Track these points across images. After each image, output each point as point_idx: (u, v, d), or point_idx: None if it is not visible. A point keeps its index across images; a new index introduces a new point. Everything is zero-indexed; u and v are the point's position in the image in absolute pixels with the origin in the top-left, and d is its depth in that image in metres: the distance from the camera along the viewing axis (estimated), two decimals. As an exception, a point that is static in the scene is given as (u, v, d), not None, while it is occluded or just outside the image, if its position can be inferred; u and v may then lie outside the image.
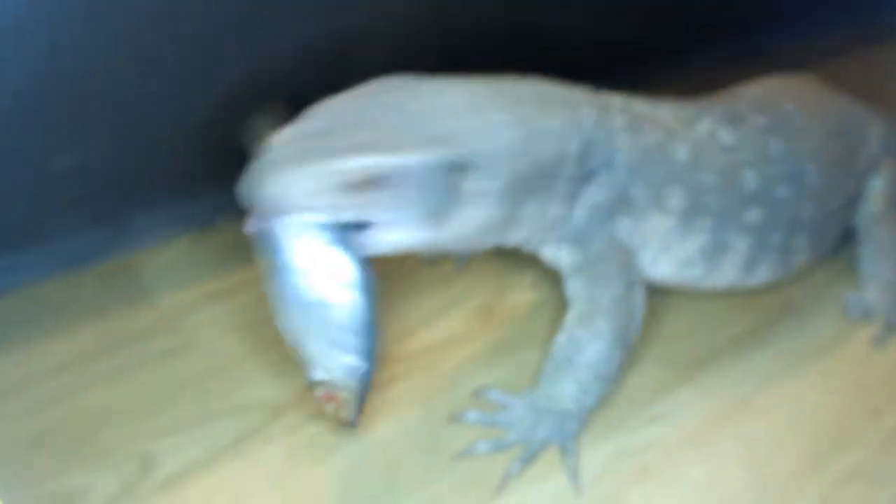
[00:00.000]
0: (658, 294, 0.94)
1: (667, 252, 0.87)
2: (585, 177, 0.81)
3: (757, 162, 0.88)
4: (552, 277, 0.88)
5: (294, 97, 0.74)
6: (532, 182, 0.77)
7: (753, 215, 0.87)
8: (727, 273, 0.90)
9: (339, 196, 0.68)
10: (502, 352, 0.90)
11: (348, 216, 0.70)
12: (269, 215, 0.69)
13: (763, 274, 0.92)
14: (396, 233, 0.72)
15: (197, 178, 1.01)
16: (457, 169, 0.71)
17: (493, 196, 0.74)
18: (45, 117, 0.87)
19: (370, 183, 0.68)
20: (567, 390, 0.80)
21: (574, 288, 0.83)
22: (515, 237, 0.82)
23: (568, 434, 0.79)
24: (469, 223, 0.75)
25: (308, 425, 0.81)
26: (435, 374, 0.87)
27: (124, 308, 0.94)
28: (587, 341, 0.80)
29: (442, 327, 0.93)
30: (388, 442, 0.80)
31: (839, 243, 0.99)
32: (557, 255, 0.85)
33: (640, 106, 0.87)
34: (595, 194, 0.82)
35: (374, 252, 0.72)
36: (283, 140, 0.69)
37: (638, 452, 0.80)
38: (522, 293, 0.97)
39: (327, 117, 0.71)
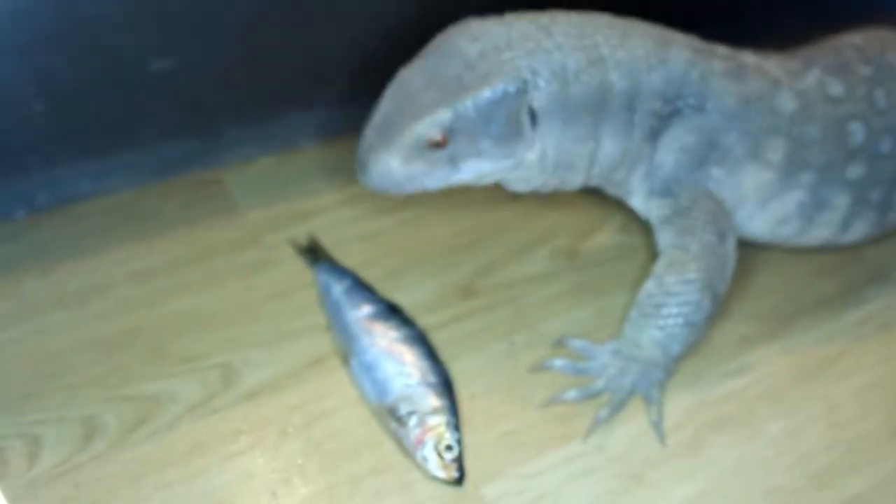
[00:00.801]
0: (749, 250, 0.93)
1: (763, 209, 0.86)
2: (670, 115, 0.80)
3: (864, 114, 0.85)
4: (641, 222, 0.87)
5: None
6: (600, 109, 0.77)
7: (856, 170, 0.85)
8: (822, 230, 0.88)
9: (427, 157, 0.74)
10: (586, 294, 0.89)
11: (443, 170, 0.75)
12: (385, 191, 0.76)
13: (858, 232, 0.89)
14: (478, 163, 0.75)
15: (285, 99, 1.01)
16: (516, 96, 0.73)
17: (559, 120, 0.76)
18: (148, 18, 0.87)
19: (447, 135, 0.73)
20: (653, 337, 0.79)
21: (664, 239, 0.82)
22: (598, 172, 0.81)
23: (654, 382, 0.79)
24: (544, 149, 0.77)
25: (389, 350, 0.81)
26: (518, 310, 0.87)
27: (211, 220, 0.94)
28: (676, 288, 0.78)
29: (526, 264, 0.92)
30: (469, 374, 0.80)
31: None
32: (647, 206, 0.84)
33: (747, 56, 0.84)
34: (682, 137, 0.81)
35: (460, 183, 0.76)
36: (372, 125, 0.75)
37: (719, 403, 0.79)
38: (610, 236, 0.96)
39: (403, 87, 0.75)
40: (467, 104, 0.72)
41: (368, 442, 0.74)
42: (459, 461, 0.72)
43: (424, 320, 0.84)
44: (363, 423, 0.75)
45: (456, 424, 0.74)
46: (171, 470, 0.71)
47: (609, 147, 0.79)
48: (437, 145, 0.73)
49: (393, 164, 0.73)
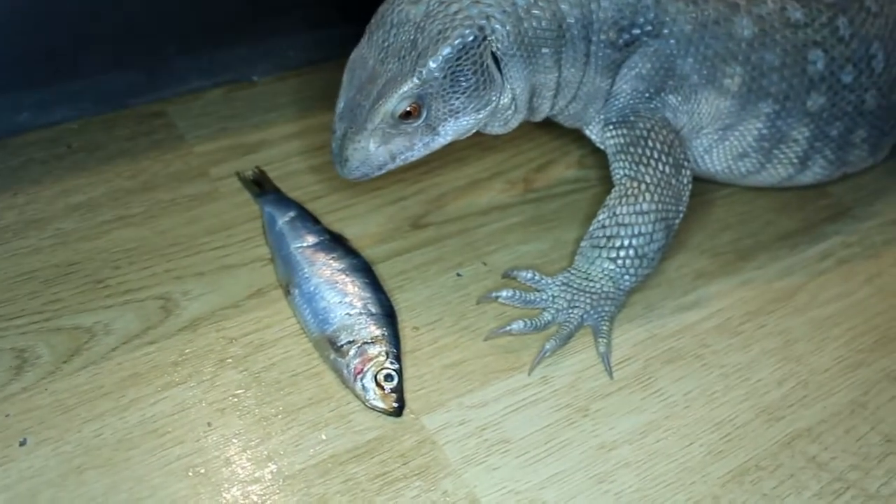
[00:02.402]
0: (709, 185, 0.91)
1: (721, 141, 0.84)
2: (627, 44, 0.78)
3: (824, 42, 0.82)
4: (597, 156, 0.85)
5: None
6: (557, 41, 0.75)
7: (816, 101, 0.83)
8: (780, 168, 0.86)
9: (403, 130, 0.73)
10: (539, 227, 0.87)
11: (423, 139, 0.74)
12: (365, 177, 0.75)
13: (816, 172, 0.88)
14: (456, 122, 0.74)
15: (234, 30, 0.99)
16: (476, 44, 0.72)
17: (521, 58, 0.74)
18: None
19: (418, 102, 0.72)
20: (605, 269, 0.77)
21: (619, 168, 0.79)
22: (562, 101, 0.79)
23: (603, 315, 0.77)
24: (514, 89, 0.75)
25: (334, 282, 0.79)
26: (468, 242, 0.85)
27: (156, 152, 0.92)
28: (629, 219, 0.77)
29: (478, 197, 0.90)
30: (415, 305, 0.78)
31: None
32: (602, 135, 0.81)
33: None
34: (638, 64, 0.79)
35: (442, 146, 0.75)
36: (338, 115, 0.74)
37: (670, 337, 0.77)
38: (565, 169, 0.94)
39: (358, 68, 0.74)
40: (430, 66, 0.71)
41: (307, 373, 0.72)
42: (399, 392, 0.70)
43: (372, 251, 0.82)
44: (303, 355, 0.73)
45: (397, 354, 0.72)
46: (104, 401, 0.69)
47: (570, 76, 0.78)
48: (409, 116, 0.72)
49: (371, 147, 0.73)
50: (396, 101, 0.71)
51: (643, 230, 0.77)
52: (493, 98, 0.74)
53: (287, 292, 0.77)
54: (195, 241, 0.83)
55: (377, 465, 0.66)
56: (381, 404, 0.69)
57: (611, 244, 0.77)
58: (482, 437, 0.69)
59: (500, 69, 0.74)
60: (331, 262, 0.77)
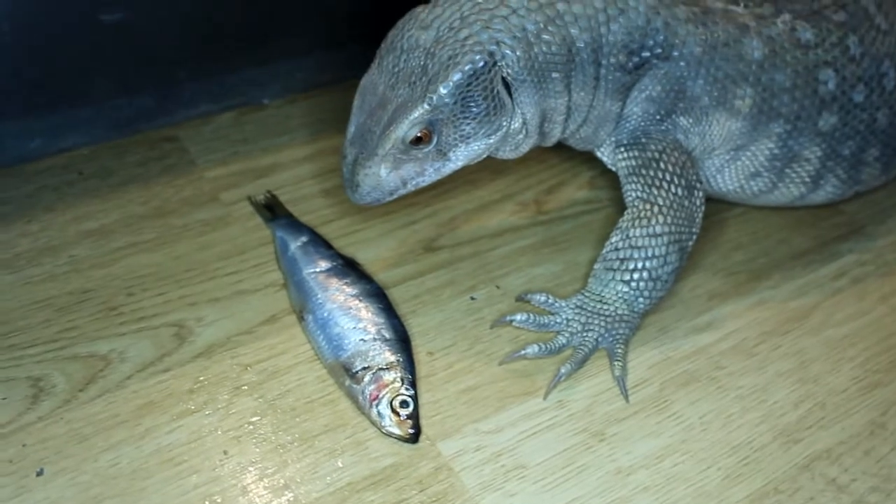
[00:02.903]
0: (721, 205, 0.91)
1: (733, 162, 0.84)
2: (637, 67, 0.78)
3: (836, 62, 0.82)
4: (609, 177, 0.85)
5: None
6: (567, 65, 0.75)
7: (828, 121, 0.83)
8: (792, 187, 0.86)
9: (414, 156, 0.73)
10: (551, 249, 0.87)
11: (434, 164, 0.74)
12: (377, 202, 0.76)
13: (829, 190, 0.87)
14: (467, 148, 0.74)
15: (244, 53, 0.99)
16: (486, 70, 0.72)
17: (532, 83, 0.75)
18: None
19: (429, 129, 0.72)
20: (619, 292, 0.77)
21: (631, 191, 0.79)
22: (572, 125, 0.80)
23: (618, 338, 0.76)
24: (524, 115, 0.76)
25: (348, 307, 0.79)
26: (480, 265, 0.85)
27: (168, 178, 0.92)
28: (642, 241, 0.76)
29: (490, 219, 0.90)
30: (429, 330, 0.78)
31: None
32: (614, 157, 0.81)
33: (714, 0, 0.82)
34: (649, 87, 0.79)
35: (453, 171, 0.76)
36: (349, 141, 0.74)
37: (685, 359, 0.77)
38: (577, 191, 0.94)
39: (368, 94, 0.75)
40: (441, 92, 0.71)
41: (322, 400, 0.72)
42: (415, 418, 0.70)
43: (385, 276, 0.82)
44: (318, 381, 0.73)
45: (412, 380, 0.72)
46: (120, 429, 0.69)
47: (580, 100, 0.78)
48: (420, 141, 0.72)
49: (382, 173, 0.73)
50: (407, 128, 0.71)
51: (657, 252, 0.76)
52: (504, 123, 0.75)
53: (301, 318, 0.77)
54: (208, 266, 0.83)
55: (394, 493, 0.66)
56: (397, 431, 0.69)
57: (624, 267, 0.77)
58: (498, 462, 0.68)
59: (510, 94, 0.74)
60: (344, 287, 0.77)
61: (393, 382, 0.71)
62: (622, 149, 0.81)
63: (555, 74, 0.75)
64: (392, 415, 0.69)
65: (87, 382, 0.72)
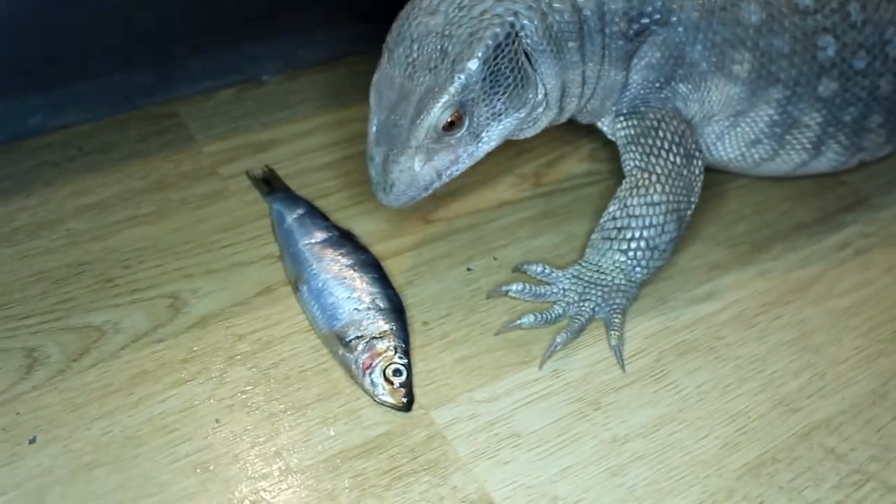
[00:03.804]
0: (722, 175, 0.90)
1: (733, 128, 0.82)
2: (638, 34, 0.77)
3: (835, 28, 0.81)
4: (609, 150, 0.84)
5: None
6: (579, 34, 0.74)
7: (828, 87, 0.81)
8: (794, 154, 0.85)
9: (447, 143, 0.71)
10: (550, 220, 0.86)
11: (468, 149, 0.72)
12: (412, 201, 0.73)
13: (831, 158, 0.86)
14: (499, 125, 0.73)
15: (245, 30, 0.99)
16: (509, 42, 0.70)
17: (551, 54, 0.73)
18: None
19: (460, 110, 0.70)
20: (616, 261, 0.76)
21: (630, 160, 0.78)
22: (584, 100, 0.79)
23: (615, 308, 0.76)
24: (546, 86, 0.74)
25: (344, 279, 0.79)
26: (478, 237, 0.84)
27: (167, 153, 0.92)
28: (640, 210, 0.76)
29: (489, 192, 0.89)
30: (425, 300, 0.78)
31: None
32: (614, 127, 0.80)
33: None
34: (647, 54, 0.78)
35: (488, 150, 0.74)
36: (372, 141, 0.72)
37: (683, 329, 0.76)
38: (576, 164, 0.93)
39: (386, 90, 0.72)
40: (471, 69, 0.69)
41: (316, 369, 0.72)
42: (408, 386, 0.69)
43: (382, 247, 0.82)
44: (312, 351, 0.73)
45: (405, 349, 0.71)
46: (113, 398, 0.69)
47: (590, 71, 0.77)
48: (453, 126, 0.70)
49: (416, 166, 0.71)
50: (439, 112, 0.69)
51: (654, 221, 0.75)
52: (531, 96, 0.73)
53: (296, 289, 0.76)
54: (205, 239, 0.82)
55: (386, 461, 0.65)
56: (390, 399, 0.69)
57: (622, 236, 0.76)
58: (492, 431, 0.68)
59: (532, 66, 0.73)
60: (339, 258, 0.77)
61: (386, 351, 0.70)
62: (621, 118, 0.80)
63: (570, 44, 0.74)
64: (385, 383, 0.69)
65: (81, 353, 0.72)
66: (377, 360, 0.70)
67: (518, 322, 0.75)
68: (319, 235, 0.79)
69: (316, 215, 0.82)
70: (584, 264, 0.78)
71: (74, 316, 0.75)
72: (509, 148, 0.93)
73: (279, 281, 0.79)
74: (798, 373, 0.73)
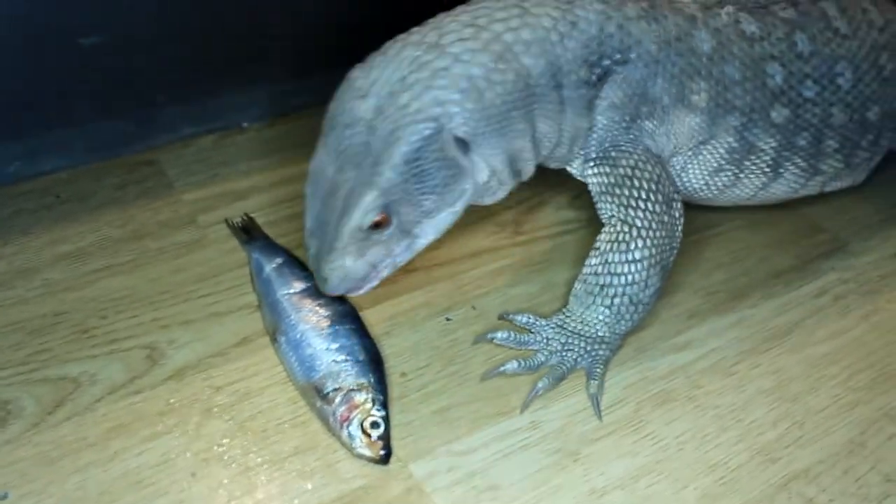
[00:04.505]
0: (700, 223, 0.90)
1: (696, 158, 0.82)
2: (601, 79, 0.75)
3: (781, 56, 0.81)
4: (588, 197, 0.84)
5: None
6: (527, 99, 0.72)
7: (780, 113, 0.82)
8: (753, 177, 0.84)
9: (378, 240, 0.69)
10: (529, 269, 0.86)
11: (401, 244, 0.71)
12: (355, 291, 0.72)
13: (790, 178, 0.86)
14: (434, 221, 0.71)
15: (223, 77, 0.99)
16: (434, 138, 0.67)
17: (492, 131, 0.70)
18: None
19: (385, 211, 0.68)
20: (600, 315, 0.76)
21: (606, 210, 0.77)
22: (545, 153, 0.77)
23: (597, 359, 0.75)
24: (492, 165, 0.72)
25: (322, 328, 0.79)
26: (456, 286, 0.84)
27: (146, 201, 0.92)
28: (622, 268, 0.75)
29: (467, 240, 0.89)
30: (403, 351, 0.77)
31: (878, 164, 0.93)
32: (584, 172, 0.79)
33: None
34: (609, 95, 0.76)
35: (428, 243, 0.73)
36: (308, 232, 0.71)
37: (662, 378, 0.76)
38: (556, 211, 0.93)
39: (319, 180, 0.70)
40: (388, 175, 0.67)
41: (294, 421, 0.71)
42: (386, 439, 0.69)
43: (360, 297, 0.81)
44: (289, 403, 0.72)
45: (384, 402, 0.71)
46: (88, 452, 0.68)
47: (546, 129, 0.75)
48: (379, 226, 0.68)
49: (348, 264, 0.69)
50: (361, 217, 0.67)
51: (637, 278, 0.75)
52: (467, 187, 0.71)
53: (273, 339, 0.76)
54: (183, 289, 0.82)
55: (364, 515, 0.65)
56: (367, 452, 0.68)
57: (605, 293, 0.76)
58: (471, 483, 0.67)
59: (468, 153, 0.70)
60: (317, 308, 0.76)
61: (364, 403, 0.70)
62: (591, 164, 0.78)
63: (514, 113, 0.71)
64: (363, 436, 0.68)
65: (56, 405, 0.71)
66: (355, 413, 0.69)
67: (501, 369, 0.75)
68: (298, 285, 0.78)
69: (294, 264, 0.81)
70: (567, 314, 0.78)
71: (50, 367, 0.74)
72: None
73: (257, 331, 0.78)
74: (776, 422, 0.73)
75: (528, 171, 0.77)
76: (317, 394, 0.71)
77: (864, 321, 0.83)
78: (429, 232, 0.71)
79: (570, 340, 0.76)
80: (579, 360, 0.76)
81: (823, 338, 0.81)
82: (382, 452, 0.68)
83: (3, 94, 0.88)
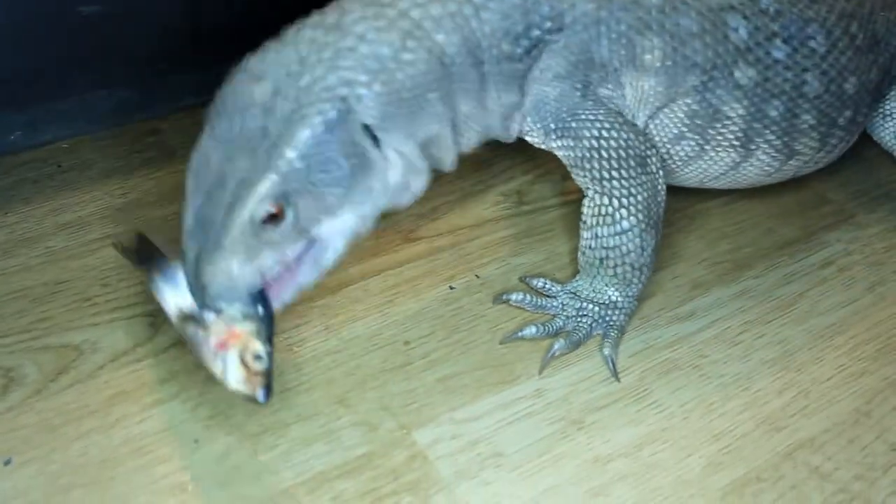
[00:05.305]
0: (705, 195, 0.89)
1: (652, 121, 0.77)
2: (529, 51, 0.71)
3: (744, 7, 0.76)
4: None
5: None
6: (443, 80, 0.67)
7: (746, 73, 0.76)
8: (722, 151, 0.79)
9: (271, 240, 0.62)
10: (532, 239, 0.86)
11: (293, 246, 0.63)
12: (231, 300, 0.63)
13: (762, 158, 0.80)
14: (338, 220, 0.65)
15: (226, 44, 0.97)
16: (340, 121, 0.62)
17: (403, 118, 0.66)
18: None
19: (281, 202, 0.61)
20: (609, 283, 0.76)
21: (582, 181, 0.75)
22: (470, 138, 0.73)
23: (612, 325, 0.75)
24: (405, 157, 0.67)
25: (326, 296, 0.78)
26: (460, 255, 0.84)
27: (148, 170, 0.92)
28: (613, 241, 0.74)
29: (471, 210, 0.89)
30: (407, 319, 0.77)
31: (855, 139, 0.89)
32: (548, 143, 0.75)
33: None
34: (551, 66, 0.72)
35: (338, 258, 0.67)
36: (187, 232, 0.63)
37: (666, 348, 0.76)
38: (560, 181, 0.93)
39: (202, 172, 0.63)
40: (290, 157, 0.60)
41: (297, 389, 0.71)
42: (268, 377, 0.63)
43: (363, 266, 0.81)
44: (293, 370, 0.72)
45: (269, 337, 0.64)
46: (90, 419, 0.68)
47: (469, 111, 0.71)
48: (275, 218, 0.61)
49: (234, 267, 0.61)
50: (254, 205, 0.60)
51: (632, 247, 0.74)
52: (375, 184, 0.65)
53: (149, 281, 0.68)
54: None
55: (367, 482, 0.65)
56: (242, 388, 0.63)
57: (605, 265, 0.75)
58: (475, 451, 0.67)
59: (377, 141, 0.65)
60: None
61: (246, 334, 0.63)
62: (553, 136, 0.74)
63: (430, 96, 0.66)
64: (241, 368, 0.62)
65: (58, 373, 0.71)
66: (233, 342, 0.63)
67: (521, 333, 0.75)
68: None
69: None
70: (580, 282, 0.77)
71: (52, 335, 0.74)
72: (492, 166, 0.94)
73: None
74: (781, 391, 0.73)
75: (448, 160, 0.73)
76: (190, 319, 0.64)
77: (869, 292, 0.82)
78: (335, 235, 0.65)
79: (584, 306, 0.76)
80: (595, 325, 0.75)
81: (828, 308, 0.81)
82: (261, 391, 0.62)
83: (3, 64, 0.88)
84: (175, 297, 0.66)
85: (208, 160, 0.63)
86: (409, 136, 0.67)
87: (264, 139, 0.61)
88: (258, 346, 0.63)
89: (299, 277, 0.65)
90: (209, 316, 0.63)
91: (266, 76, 0.63)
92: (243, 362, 0.63)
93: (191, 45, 0.95)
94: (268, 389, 0.63)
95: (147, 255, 0.71)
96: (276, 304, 0.65)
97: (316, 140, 0.61)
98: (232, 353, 0.63)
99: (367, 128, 0.64)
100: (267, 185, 0.60)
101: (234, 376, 0.63)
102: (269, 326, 0.64)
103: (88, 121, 0.94)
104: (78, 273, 0.80)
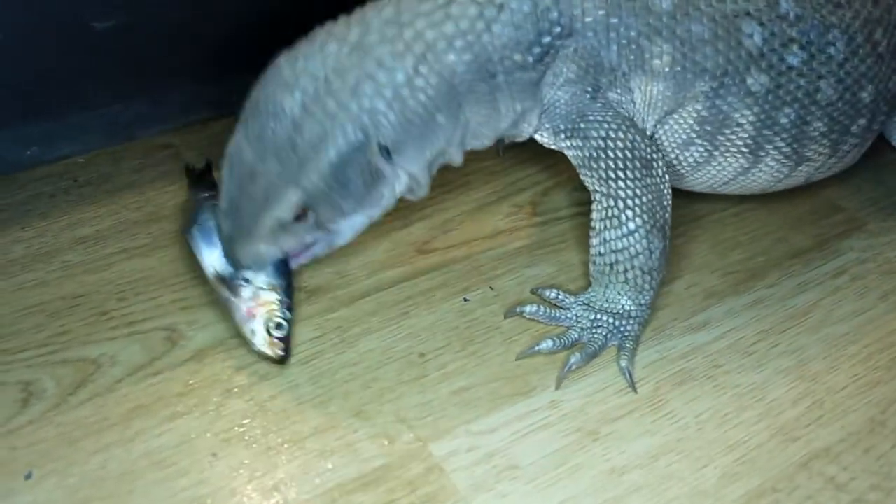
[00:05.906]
0: (718, 204, 0.90)
1: (661, 127, 0.78)
2: (541, 59, 0.72)
3: (760, 14, 0.75)
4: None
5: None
6: (453, 99, 0.70)
7: (758, 80, 0.76)
8: (730, 157, 0.79)
9: (294, 231, 0.70)
10: (546, 250, 0.86)
11: (314, 235, 0.72)
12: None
13: (771, 164, 0.81)
14: (349, 221, 0.72)
15: (238, 59, 0.98)
16: (361, 146, 0.68)
17: (414, 139, 0.70)
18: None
19: (305, 209, 0.69)
20: (619, 292, 0.76)
21: (589, 182, 0.76)
22: (483, 142, 0.76)
23: (627, 335, 0.76)
24: (411, 171, 0.72)
25: (341, 309, 0.79)
26: (473, 267, 0.84)
27: (163, 184, 0.92)
28: (621, 243, 0.74)
29: (485, 221, 0.89)
30: (421, 331, 0.78)
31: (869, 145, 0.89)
32: (557, 143, 0.77)
33: None
34: (563, 71, 0.74)
35: (346, 243, 0.74)
36: (223, 213, 0.71)
37: (681, 357, 0.76)
38: (572, 192, 0.93)
39: (238, 164, 0.70)
40: (313, 179, 0.67)
41: (314, 402, 0.71)
42: (286, 342, 0.73)
43: (377, 278, 0.82)
44: (309, 383, 0.73)
45: (290, 306, 0.74)
46: (109, 432, 0.69)
47: (480, 120, 0.73)
48: (299, 219, 0.70)
49: (261, 249, 0.71)
50: (279, 212, 0.69)
51: (640, 249, 0.74)
52: (386, 192, 0.72)
53: (185, 232, 0.78)
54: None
55: (384, 494, 0.65)
56: (266, 350, 0.73)
57: (615, 271, 0.75)
58: (491, 463, 0.67)
59: (390, 158, 0.70)
60: None
61: (270, 303, 0.73)
62: (562, 136, 0.76)
63: (439, 116, 0.70)
64: (265, 334, 0.72)
65: (77, 386, 0.72)
66: (260, 311, 0.73)
67: (537, 347, 0.75)
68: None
69: None
70: (592, 293, 0.78)
71: (70, 349, 0.75)
72: (505, 176, 0.94)
73: (276, 312, 0.79)
74: (796, 401, 0.73)
75: (458, 159, 0.76)
76: (225, 284, 0.74)
77: (882, 301, 0.82)
78: (346, 231, 0.73)
79: (598, 317, 0.76)
80: (609, 336, 0.76)
81: (842, 317, 0.81)
82: (281, 353, 0.73)
83: (19, 80, 0.88)
84: (210, 255, 0.75)
85: (242, 154, 0.69)
86: (418, 154, 0.72)
87: (293, 152, 0.67)
88: (279, 316, 0.73)
89: (315, 250, 0.73)
90: (240, 284, 0.73)
91: (296, 88, 0.68)
92: (267, 329, 0.73)
93: (204, 59, 0.96)
94: (286, 353, 0.73)
95: (203, 188, 0.82)
96: (293, 265, 0.75)
97: (339, 163, 0.68)
98: (259, 320, 0.73)
99: (381, 146, 0.69)
100: (294, 198, 0.68)
101: (260, 340, 0.73)
102: (290, 298, 0.74)
103: (104, 135, 0.95)
104: (95, 287, 0.80)
